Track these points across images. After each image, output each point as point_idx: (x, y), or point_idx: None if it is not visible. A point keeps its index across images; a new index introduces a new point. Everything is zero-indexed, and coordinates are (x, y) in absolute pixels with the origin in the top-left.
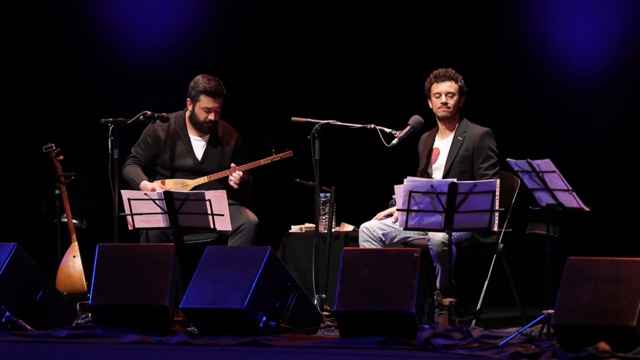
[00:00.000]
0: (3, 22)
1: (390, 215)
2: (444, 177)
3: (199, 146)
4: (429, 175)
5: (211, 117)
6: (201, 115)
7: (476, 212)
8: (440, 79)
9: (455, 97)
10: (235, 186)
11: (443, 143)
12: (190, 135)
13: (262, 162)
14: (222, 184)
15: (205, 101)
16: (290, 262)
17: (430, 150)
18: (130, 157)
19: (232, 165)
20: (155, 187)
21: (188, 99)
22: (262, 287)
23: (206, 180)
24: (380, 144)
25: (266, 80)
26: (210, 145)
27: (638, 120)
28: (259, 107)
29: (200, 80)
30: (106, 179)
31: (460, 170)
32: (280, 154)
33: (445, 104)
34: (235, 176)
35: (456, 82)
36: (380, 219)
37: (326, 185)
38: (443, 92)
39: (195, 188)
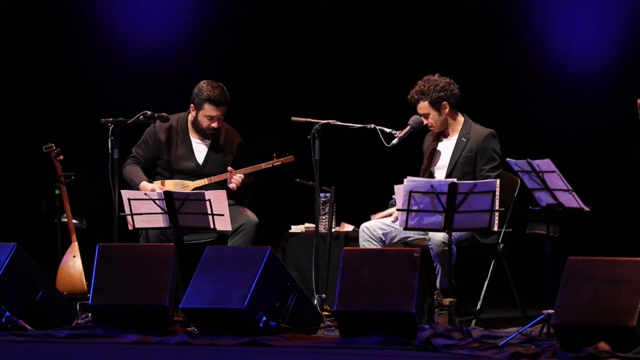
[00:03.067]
0: (3, 22)
1: (389, 215)
2: (447, 177)
3: (200, 149)
4: (431, 175)
5: (214, 124)
6: (204, 123)
7: (476, 212)
8: (412, 103)
9: (432, 114)
10: (235, 189)
11: (447, 143)
12: (192, 139)
13: (263, 166)
14: (223, 186)
15: (208, 109)
16: (290, 262)
17: (434, 149)
18: (131, 157)
19: (229, 168)
20: (155, 188)
21: (192, 104)
22: (262, 287)
23: (206, 182)
24: (380, 144)
25: (266, 81)
26: (212, 149)
27: (638, 120)
28: (259, 108)
29: (205, 88)
30: (106, 179)
31: (463, 171)
32: (282, 159)
33: (427, 124)
34: (236, 179)
35: (424, 99)
36: (378, 219)
37: (326, 185)
38: (421, 114)
39: (195, 189)
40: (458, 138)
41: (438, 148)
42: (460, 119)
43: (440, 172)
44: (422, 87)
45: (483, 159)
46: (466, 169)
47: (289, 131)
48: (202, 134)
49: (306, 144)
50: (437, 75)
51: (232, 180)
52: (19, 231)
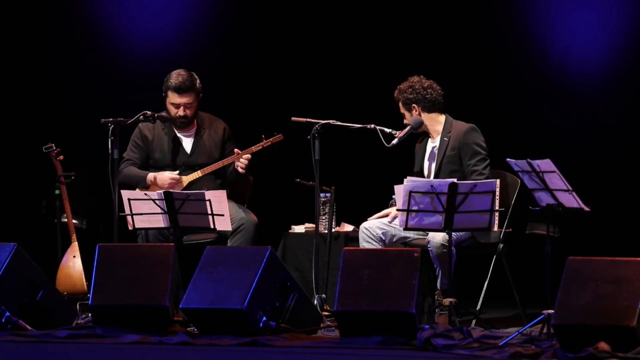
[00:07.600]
0: (3, 23)
1: (385, 215)
2: (435, 178)
3: (187, 140)
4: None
5: (180, 112)
6: (171, 111)
7: (476, 212)
8: (396, 101)
9: (406, 114)
10: (242, 171)
11: (432, 146)
12: (176, 131)
13: (254, 148)
14: (219, 179)
15: (172, 97)
16: (290, 262)
17: (423, 154)
18: (125, 161)
19: (236, 150)
20: (166, 176)
21: (163, 94)
22: (262, 287)
23: (200, 175)
24: (380, 144)
25: (266, 80)
26: (197, 137)
27: (638, 120)
28: (259, 107)
29: (170, 77)
30: (106, 179)
31: (449, 170)
32: (271, 139)
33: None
34: (243, 161)
35: (400, 99)
36: (376, 219)
37: (326, 185)
38: (401, 113)
39: (189, 183)
40: (441, 138)
41: (425, 152)
42: (441, 119)
43: (430, 175)
44: (400, 87)
45: (467, 154)
46: (452, 167)
47: (289, 131)
48: (175, 123)
49: (306, 144)
50: (419, 77)
51: (239, 163)
52: (19, 231)
